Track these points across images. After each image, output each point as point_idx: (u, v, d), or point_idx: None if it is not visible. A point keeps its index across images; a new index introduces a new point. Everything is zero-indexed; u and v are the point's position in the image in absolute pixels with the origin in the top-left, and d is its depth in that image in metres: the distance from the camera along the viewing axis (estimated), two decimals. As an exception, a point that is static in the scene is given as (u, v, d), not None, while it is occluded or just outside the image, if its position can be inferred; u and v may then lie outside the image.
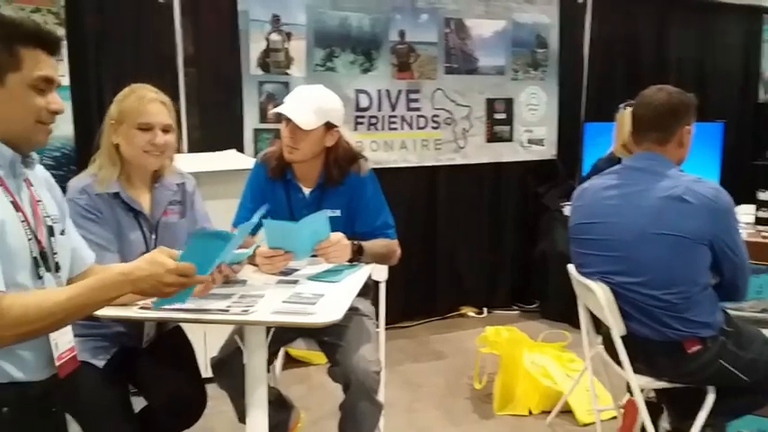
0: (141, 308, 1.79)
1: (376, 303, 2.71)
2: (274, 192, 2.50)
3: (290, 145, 2.38)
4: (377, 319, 2.68)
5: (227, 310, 1.78)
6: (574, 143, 4.69)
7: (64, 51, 3.41)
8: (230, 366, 2.20)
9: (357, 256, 2.34)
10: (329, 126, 2.39)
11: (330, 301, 1.90)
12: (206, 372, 2.35)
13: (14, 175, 1.56)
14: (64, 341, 1.62)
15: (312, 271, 2.22)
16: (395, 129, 4.32)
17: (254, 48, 3.89)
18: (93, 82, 3.56)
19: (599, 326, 2.61)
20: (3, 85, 1.47)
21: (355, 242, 2.35)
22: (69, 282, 1.74)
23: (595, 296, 2.30)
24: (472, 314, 4.69)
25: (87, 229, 2.01)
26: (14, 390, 1.51)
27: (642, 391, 2.37)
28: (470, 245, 4.67)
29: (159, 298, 1.57)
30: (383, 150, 4.30)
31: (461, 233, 4.63)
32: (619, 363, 2.36)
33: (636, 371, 2.32)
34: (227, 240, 1.64)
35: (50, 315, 1.44)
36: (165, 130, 2.15)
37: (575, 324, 4.10)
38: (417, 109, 4.37)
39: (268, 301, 1.87)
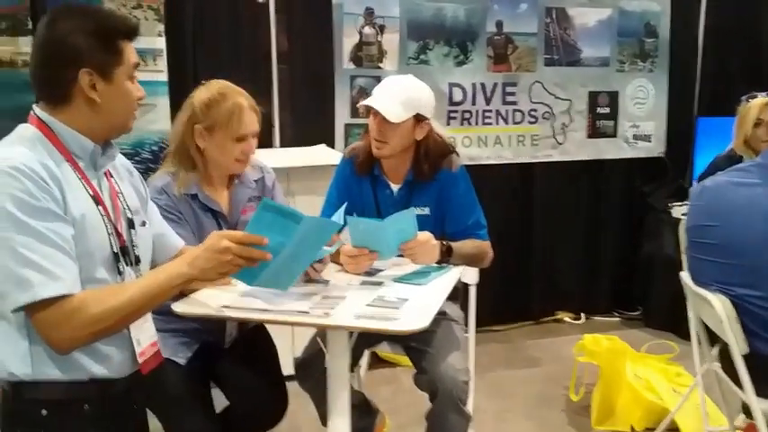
0: (222, 306, 1.73)
1: (465, 308, 2.58)
2: (361, 188, 2.41)
3: (378, 139, 2.27)
4: (466, 324, 2.54)
5: (308, 312, 1.70)
6: (685, 139, 4.37)
7: (162, 47, 3.47)
8: (313, 369, 2.13)
9: (446, 258, 2.21)
10: (419, 118, 2.28)
11: (416, 306, 1.78)
12: (290, 370, 2.29)
13: (95, 167, 1.55)
14: (146, 337, 1.59)
15: (398, 272, 2.11)
16: (489, 124, 4.16)
17: (346, 42, 3.82)
18: (190, 77, 3.59)
19: (713, 339, 2.36)
20: (111, 81, 1.49)
21: (444, 242, 2.22)
22: None
23: (713, 309, 2.07)
24: (569, 320, 4.47)
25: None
26: (96, 386, 1.49)
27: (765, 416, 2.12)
28: (568, 246, 4.45)
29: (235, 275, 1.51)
30: (477, 146, 4.15)
31: (558, 233, 4.42)
32: (737, 382, 2.12)
33: (758, 393, 2.07)
34: (298, 221, 1.56)
35: (121, 310, 1.43)
36: (254, 136, 2.13)
37: (681, 334, 3.84)
38: (514, 103, 4.18)
39: (350, 304, 1.78)
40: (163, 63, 3.49)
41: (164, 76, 3.48)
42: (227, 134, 2.05)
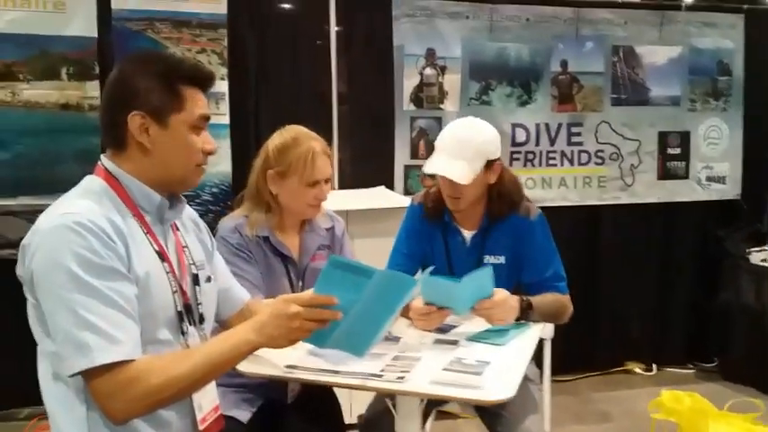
0: (288, 366, 1.62)
1: (540, 364, 2.41)
2: (431, 235, 2.29)
3: (451, 196, 2.17)
4: (541, 381, 2.38)
5: (381, 376, 1.58)
6: (761, 181, 4.16)
7: (225, 90, 3.47)
8: (380, 428, 2.00)
9: (525, 315, 2.07)
10: (489, 163, 2.15)
11: (498, 370, 1.64)
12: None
13: (161, 221, 1.47)
14: (208, 401, 1.49)
15: (472, 328, 1.97)
16: (554, 165, 4.02)
17: (407, 83, 3.77)
18: (251, 119, 3.60)
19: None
20: (166, 126, 1.40)
21: (524, 298, 2.08)
22: (227, 323, 1.64)
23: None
24: (639, 370, 4.23)
25: (238, 266, 1.95)
26: None
27: None
28: (638, 293, 4.23)
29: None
30: (540, 188, 4.01)
31: (627, 279, 4.21)
32: None
33: None
34: (369, 276, 1.43)
35: (182, 381, 1.32)
36: (327, 181, 2.08)
37: (763, 388, 3.59)
38: (579, 143, 4.04)
39: (425, 367, 1.65)
40: (225, 106, 3.50)
41: (226, 119, 3.48)
42: (299, 179, 2.01)
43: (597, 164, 4.07)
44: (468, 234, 2.26)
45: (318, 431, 1.99)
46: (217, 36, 3.48)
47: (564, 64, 3.98)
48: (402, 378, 1.56)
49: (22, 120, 3.21)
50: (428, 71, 3.80)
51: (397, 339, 1.87)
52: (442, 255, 2.26)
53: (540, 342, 2.41)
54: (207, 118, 1.45)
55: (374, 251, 2.42)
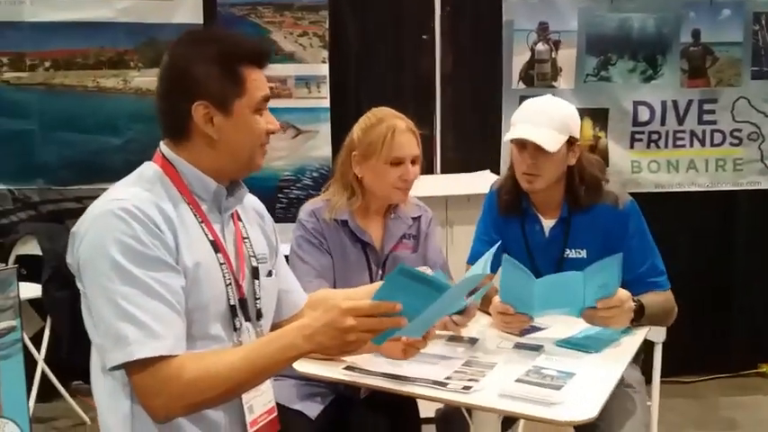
0: (346, 368, 1.53)
1: (648, 369, 2.18)
2: (508, 225, 2.13)
3: (529, 173, 1.99)
4: (648, 387, 2.15)
5: (446, 384, 1.45)
6: None
7: (326, 73, 3.42)
8: (455, 425, 1.88)
9: (635, 320, 1.84)
10: (571, 141, 1.99)
11: (583, 384, 1.46)
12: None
13: (219, 210, 1.40)
14: (261, 402, 1.42)
15: (562, 331, 1.78)
16: (682, 146, 3.66)
17: (516, 60, 3.55)
18: (352, 103, 3.55)
19: None
20: (230, 114, 1.33)
21: (635, 299, 1.83)
22: (276, 326, 1.55)
23: None
24: (776, 374, 3.80)
25: (307, 251, 1.94)
26: None
27: None
28: (777, 288, 3.80)
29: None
30: (665, 171, 3.66)
31: (765, 273, 3.78)
32: None
33: None
34: (440, 291, 1.26)
35: (224, 383, 1.24)
36: (414, 161, 1.98)
37: None
38: (713, 122, 3.65)
39: (498, 376, 1.50)
40: (326, 89, 3.46)
41: (326, 103, 3.45)
42: (382, 157, 1.94)
43: (733, 144, 3.66)
44: (547, 224, 2.08)
45: (392, 427, 1.89)
46: (318, 18, 3.43)
47: (696, 34, 3.59)
48: (468, 389, 1.42)
49: (133, 106, 3.34)
50: (540, 46, 3.56)
51: (473, 341, 1.72)
52: (520, 247, 2.09)
53: (650, 345, 2.20)
54: (269, 97, 1.38)
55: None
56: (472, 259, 2.16)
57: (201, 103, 1.31)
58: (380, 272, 2.02)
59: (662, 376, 3.72)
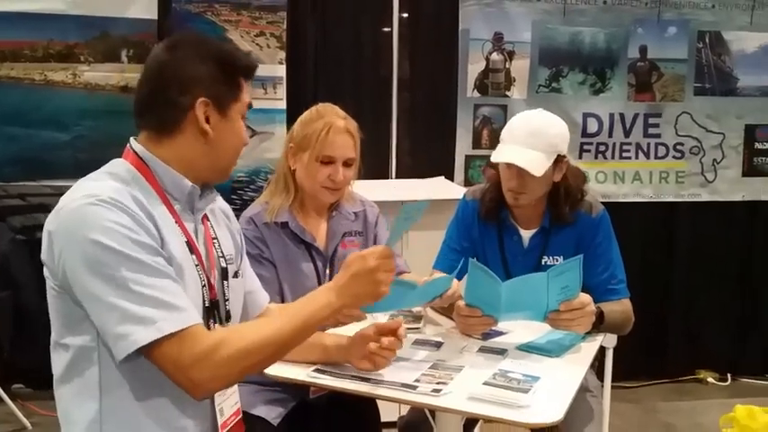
0: (315, 370, 1.52)
1: (600, 373, 2.24)
2: (485, 233, 2.14)
3: (514, 190, 2.00)
4: (601, 393, 2.21)
5: (416, 387, 1.45)
6: None
7: (282, 75, 3.40)
8: (419, 433, 1.89)
9: (597, 328, 1.88)
10: (558, 159, 2.00)
11: (548, 387, 1.49)
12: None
13: (192, 210, 1.39)
14: (229, 405, 1.41)
15: (523, 336, 1.81)
16: (628, 158, 3.77)
17: (471, 68, 3.60)
18: (308, 105, 3.44)
19: None
20: (226, 116, 1.36)
21: (597, 306, 1.86)
22: None
23: None
24: (712, 380, 3.94)
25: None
26: None
27: None
28: (714, 297, 3.95)
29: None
30: (612, 182, 3.78)
31: (703, 282, 3.93)
32: None
33: None
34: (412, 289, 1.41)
35: (268, 345, 1.29)
36: (347, 164, 1.94)
37: None
38: (657, 135, 3.77)
39: (466, 379, 1.51)
40: (282, 91, 3.43)
41: (282, 104, 3.42)
42: (313, 153, 1.91)
43: (676, 158, 3.80)
44: (526, 234, 2.11)
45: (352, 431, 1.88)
46: (276, 19, 3.41)
47: (643, 50, 3.72)
48: (438, 391, 1.43)
49: (82, 101, 3.24)
50: (495, 56, 3.62)
51: (438, 344, 1.73)
52: (495, 255, 2.11)
53: (602, 351, 2.25)
54: (251, 106, 1.43)
55: (429, 244, 2.31)
56: (438, 265, 2.17)
57: (204, 100, 1.33)
58: (328, 272, 1.98)
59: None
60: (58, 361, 1.31)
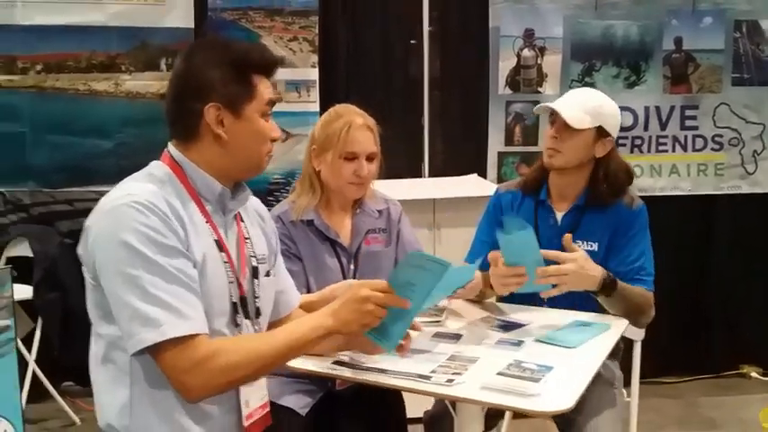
0: (334, 362, 1.58)
1: (628, 367, 2.24)
2: (521, 211, 2.19)
3: (552, 147, 2.08)
4: (628, 386, 2.21)
5: (430, 378, 1.49)
6: None
7: (315, 78, 3.47)
8: (442, 427, 1.92)
9: (606, 292, 1.93)
10: (602, 133, 2.06)
11: (561, 376, 1.51)
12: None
13: (224, 211, 1.46)
14: (257, 397, 1.47)
15: (543, 328, 1.83)
16: (664, 151, 3.73)
17: (503, 66, 3.60)
18: (340, 105, 3.57)
19: None
20: (240, 116, 1.40)
21: (610, 273, 1.94)
22: (273, 325, 1.60)
23: None
24: (756, 375, 3.85)
25: None
26: None
27: None
28: (756, 291, 3.86)
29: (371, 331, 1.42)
30: (648, 176, 3.73)
31: (745, 275, 3.84)
32: None
33: None
34: (444, 269, 1.38)
35: (258, 359, 1.33)
36: (370, 158, 2.01)
37: None
38: (694, 128, 3.72)
39: (481, 369, 1.55)
40: (315, 94, 3.50)
41: (316, 107, 3.48)
42: (336, 152, 1.98)
43: (714, 150, 3.74)
44: (560, 214, 2.15)
45: (379, 424, 1.93)
46: (308, 23, 3.48)
47: (678, 41, 3.66)
48: (451, 381, 1.47)
49: (124, 110, 3.37)
50: (526, 52, 3.62)
51: (458, 337, 1.77)
52: None
53: (629, 344, 2.26)
54: (274, 103, 1.46)
55: (463, 241, 2.34)
56: (470, 259, 2.21)
57: (213, 105, 1.37)
58: (352, 268, 2.03)
59: (644, 377, 3.77)
60: (94, 349, 1.40)
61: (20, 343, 3.09)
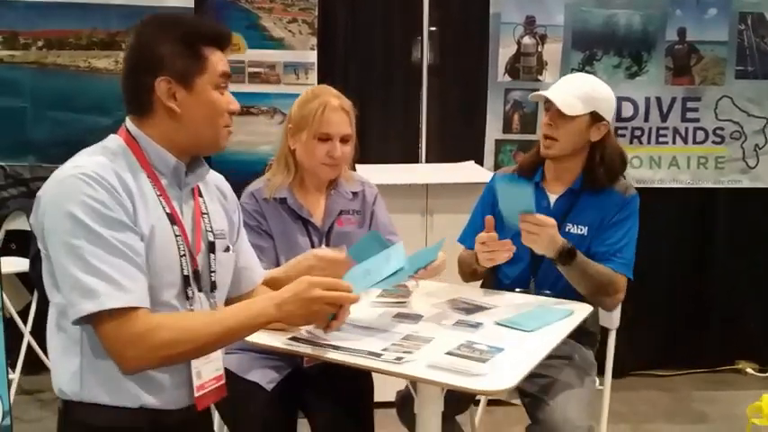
0: (290, 338, 1.60)
1: (602, 355, 2.24)
2: None
3: (548, 134, 2.10)
4: (601, 374, 2.22)
5: (380, 355, 1.51)
6: None
7: (314, 60, 3.47)
8: (411, 407, 1.94)
9: (565, 260, 1.97)
10: (596, 117, 2.08)
11: (508, 360, 1.52)
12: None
13: (180, 185, 1.47)
14: (210, 369, 1.48)
15: (505, 313, 1.84)
16: (664, 143, 3.70)
17: (503, 53, 3.59)
18: (339, 90, 3.57)
19: None
20: (192, 89, 1.40)
21: (571, 244, 1.98)
22: (234, 300, 1.62)
23: None
24: (751, 371, 3.83)
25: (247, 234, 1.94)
26: (147, 416, 1.40)
27: None
28: (754, 286, 3.84)
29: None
30: (648, 167, 3.71)
31: (743, 270, 3.82)
32: None
33: None
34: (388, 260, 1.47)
35: (196, 339, 1.34)
36: (344, 140, 2.02)
37: None
38: (695, 120, 3.69)
39: (432, 349, 1.56)
40: (314, 76, 3.51)
41: (313, 88, 3.48)
42: (311, 132, 1.99)
43: (715, 143, 3.70)
44: (553, 197, 2.17)
45: (345, 404, 1.94)
46: (308, 5, 3.50)
47: (681, 32, 3.63)
48: (400, 359, 1.49)
49: (124, 87, 3.40)
50: (526, 40, 3.60)
51: (418, 318, 1.79)
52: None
53: (605, 332, 2.26)
54: (228, 75, 1.45)
55: (454, 227, 2.36)
56: (463, 240, 2.26)
57: (164, 79, 1.38)
58: (324, 246, 2.04)
59: (639, 369, 3.79)
60: (49, 317, 1.43)
61: (16, 315, 3.18)
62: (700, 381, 3.75)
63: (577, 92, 2.08)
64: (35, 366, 3.29)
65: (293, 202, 2.04)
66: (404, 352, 1.53)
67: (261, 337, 1.58)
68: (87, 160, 1.37)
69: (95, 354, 1.36)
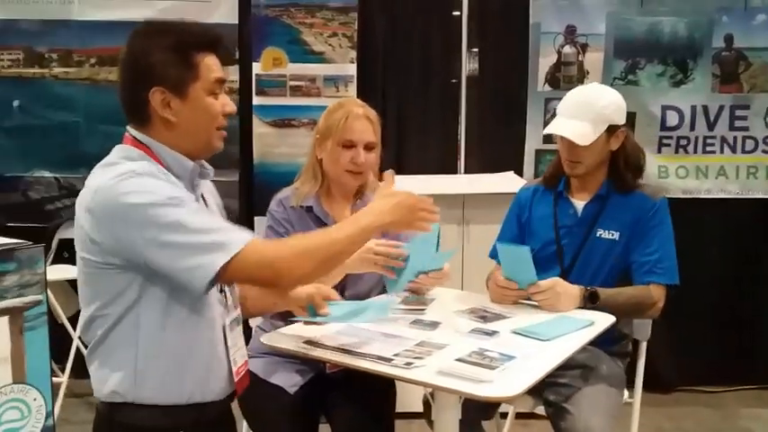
0: (305, 342, 1.64)
1: (632, 368, 2.20)
2: (538, 211, 2.22)
3: (570, 159, 2.10)
4: (630, 386, 2.18)
5: (391, 360, 1.53)
6: None
7: (353, 73, 3.52)
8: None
9: (590, 305, 1.93)
10: (611, 129, 2.06)
11: (519, 367, 1.51)
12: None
13: (192, 187, 1.51)
14: (240, 356, 1.55)
15: (524, 321, 1.83)
16: (712, 152, 3.60)
17: (543, 62, 3.57)
18: (378, 103, 3.61)
19: None
20: (185, 97, 1.42)
21: (588, 288, 1.95)
22: None
23: None
24: (803, 388, 3.68)
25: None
26: (192, 412, 1.45)
27: None
28: (809, 300, 3.67)
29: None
30: (694, 177, 3.61)
31: (797, 284, 3.67)
32: None
33: None
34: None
35: (332, 244, 1.43)
36: (368, 147, 2.06)
37: None
38: (744, 128, 3.58)
39: (444, 356, 1.57)
40: (353, 89, 3.56)
41: (352, 102, 3.54)
42: (335, 140, 2.04)
43: (766, 152, 3.59)
44: (580, 204, 2.16)
45: (362, 412, 1.95)
46: (348, 20, 3.55)
47: (729, 39, 3.54)
48: (410, 365, 1.50)
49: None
50: (567, 49, 3.58)
51: (435, 325, 1.79)
52: (548, 224, 2.17)
53: (636, 344, 2.22)
54: (223, 81, 1.47)
55: (489, 237, 2.36)
56: (494, 254, 2.25)
57: (158, 89, 1.40)
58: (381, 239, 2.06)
59: (685, 385, 3.69)
60: (99, 329, 1.44)
61: (66, 321, 3.31)
62: (749, 397, 3.63)
63: (587, 116, 2.03)
64: (84, 370, 3.40)
65: (319, 210, 2.09)
66: (414, 358, 1.54)
67: (278, 340, 1.62)
68: (125, 166, 1.38)
69: (151, 354, 1.40)
